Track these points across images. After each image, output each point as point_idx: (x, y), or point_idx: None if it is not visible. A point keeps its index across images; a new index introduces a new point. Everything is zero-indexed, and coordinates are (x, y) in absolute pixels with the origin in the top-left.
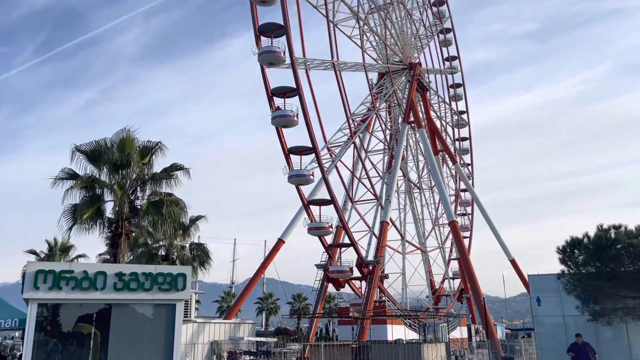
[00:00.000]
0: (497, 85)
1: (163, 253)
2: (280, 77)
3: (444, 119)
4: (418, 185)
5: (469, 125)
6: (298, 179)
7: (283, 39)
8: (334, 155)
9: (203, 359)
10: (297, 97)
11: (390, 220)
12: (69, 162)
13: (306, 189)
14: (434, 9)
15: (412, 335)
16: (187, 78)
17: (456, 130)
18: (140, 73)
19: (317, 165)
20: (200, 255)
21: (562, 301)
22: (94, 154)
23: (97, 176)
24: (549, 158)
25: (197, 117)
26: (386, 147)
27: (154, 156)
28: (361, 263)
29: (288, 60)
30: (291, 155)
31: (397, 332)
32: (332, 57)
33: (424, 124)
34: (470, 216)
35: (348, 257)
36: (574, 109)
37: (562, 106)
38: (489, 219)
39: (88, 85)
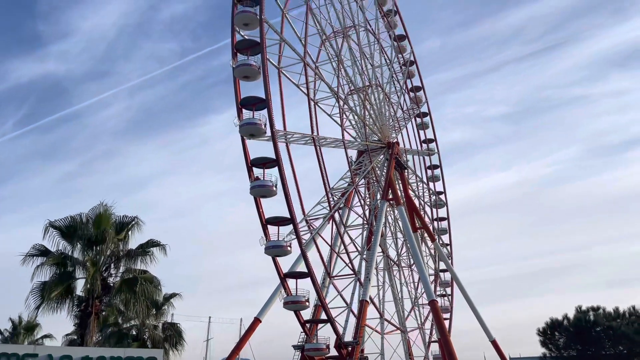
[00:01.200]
0: (474, 164)
1: (134, 333)
2: (261, 149)
3: (422, 198)
4: (397, 262)
5: (446, 206)
6: (275, 250)
7: (264, 112)
8: (312, 228)
9: None
10: (276, 168)
11: (370, 298)
12: (40, 235)
13: (283, 262)
14: (412, 94)
15: None
16: (169, 152)
17: (434, 210)
18: (121, 146)
19: (294, 237)
20: (172, 336)
21: None
22: (69, 229)
23: (70, 252)
24: (527, 236)
25: (177, 190)
26: (365, 222)
27: (130, 232)
28: (340, 344)
29: (268, 133)
30: (269, 227)
31: None
32: (313, 132)
33: (402, 201)
34: (450, 297)
35: (325, 333)
36: (548, 188)
37: (537, 185)
38: (468, 298)
39: (67, 158)
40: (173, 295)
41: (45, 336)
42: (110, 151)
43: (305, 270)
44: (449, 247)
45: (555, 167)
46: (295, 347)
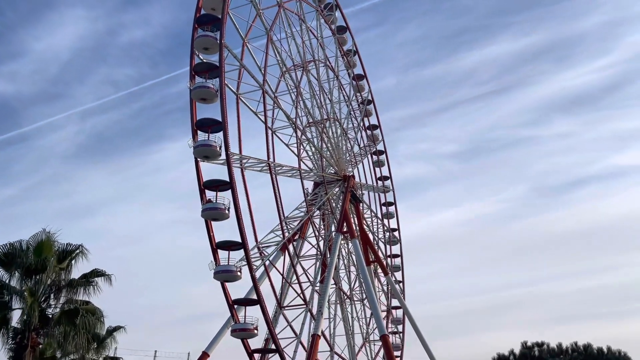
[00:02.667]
0: (426, 200)
1: None
2: (215, 173)
3: (376, 234)
4: (349, 296)
5: (400, 243)
6: (224, 275)
7: (220, 134)
8: (264, 255)
9: None
10: (229, 192)
11: (321, 332)
12: None
13: (233, 289)
14: (368, 132)
15: None
16: (120, 179)
17: (388, 246)
18: (71, 171)
19: (245, 263)
20: None
21: None
22: (7, 257)
23: (7, 281)
24: (477, 272)
25: (128, 218)
26: (318, 253)
27: (73, 260)
28: None
29: (223, 156)
30: (219, 251)
31: None
32: (269, 159)
33: (357, 234)
34: (401, 334)
35: None
36: (497, 225)
37: (486, 222)
38: (419, 332)
39: (11, 182)
40: (117, 328)
41: None
42: (59, 176)
43: (255, 297)
44: (401, 284)
45: (504, 205)
46: None
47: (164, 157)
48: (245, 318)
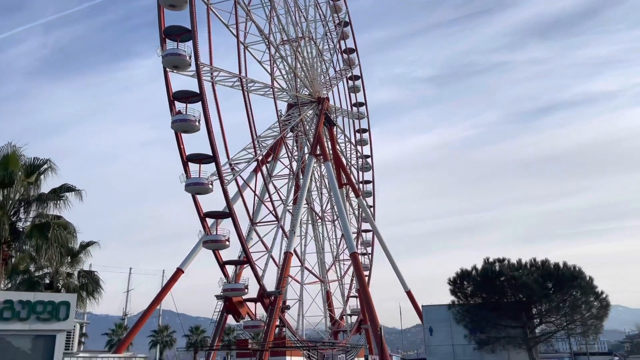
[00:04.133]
0: (399, 125)
1: (47, 281)
2: (185, 86)
3: (349, 159)
4: (321, 217)
5: (372, 170)
6: (196, 187)
7: (190, 43)
8: (235, 170)
9: None
10: (200, 104)
11: (295, 251)
12: None
13: (204, 201)
14: (345, 55)
15: None
16: (88, 97)
17: (360, 172)
18: (34, 88)
19: (217, 177)
20: (89, 284)
21: (452, 330)
22: None
23: None
24: (446, 195)
25: (96, 138)
26: (291, 174)
27: (42, 176)
28: (262, 293)
29: (193, 67)
30: (190, 164)
31: None
32: (240, 73)
33: (330, 157)
34: (370, 256)
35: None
36: (468, 150)
37: (457, 147)
38: (388, 252)
39: None
40: (90, 243)
41: None
42: (22, 92)
43: (226, 211)
44: (372, 209)
45: (475, 131)
46: (218, 296)
47: (133, 74)
48: (217, 230)
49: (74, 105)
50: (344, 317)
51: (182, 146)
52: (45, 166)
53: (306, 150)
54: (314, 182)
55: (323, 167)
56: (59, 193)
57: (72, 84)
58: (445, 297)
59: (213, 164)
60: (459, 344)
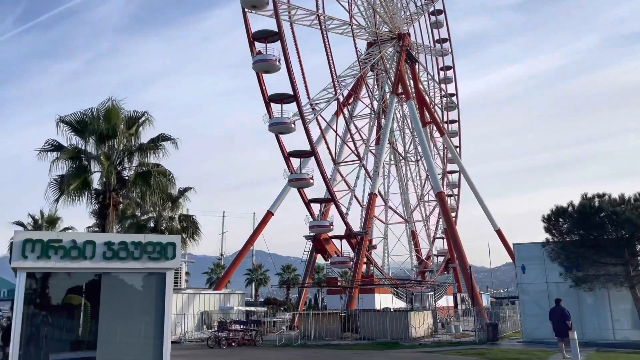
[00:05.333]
0: (484, 57)
1: (152, 225)
2: (264, 27)
3: (433, 99)
4: (404, 157)
5: (457, 108)
6: (278, 126)
7: None
8: (316, 110)
9: (194, 329)
10: (279, 43)
11: (378, 191)
12: (53, 134)
13: (288, 142)
14: None
15: (399, 304)
16: (173, 49)
17: (445, 112)
18: (125, 44)
19: (298, 117)
20: (189, 227)
21: (546, 269)
22: (80, 124)
23: (83, 147)
24: (537, 130)
25: (183, 89)
26: (372, 113)
27: (140, 127)
28: (349, 234)
29: (271, 6)
30: (272, 105)
31: (385, 300)
32: (318, 10)
33: (412, 95)
34: (456, 197)
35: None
36: (561, 80)
37: (549, 78)
38: (475, 191)
39: (71, 56)
40: (187, 189)
41: (67, 228)
42: (114, 49)
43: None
44: (457, 149)
45: (570, 59)
46: (306, 237)
47: (214, 24)
48: (300, 169)
49: (160, 58)
50: (431, 257)
51: (263, 87)
52: (143, 118)
53: (387, 90)
54: (396, 122)
55: (405, 106)
56: (156, 143)
57: (158, 38)
58: (536, 235)
59: (294, 104)
60: (553, 282)
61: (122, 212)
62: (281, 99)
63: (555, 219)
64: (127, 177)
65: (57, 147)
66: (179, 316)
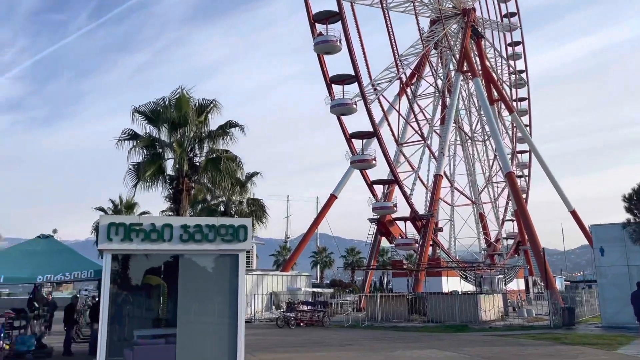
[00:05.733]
0: (556, 29)
1: (221, 209)
2: (324, 7)
3: (501, 76)
4: (471, 136)
5: (527, 85)
6: (340, 108)
7: None
8: (378, 90)
9: (263, 309)
10: (340, 24)
11: (444, 172)
12: (127, 124)
13: (349, 124)
14: None
15: (467, 287)
16: (235, 37)
17: (514, 90)
18: (189, 34)
19: (360, 97)
20: (257, 211)
21: (627, 251)
22: (153, 114)
23: (157, 135)
24: (611, 105)
25: (246, 75)
26: (436, 92)
27: (209, 114)
28: (414, 216)
29: None
30: (333, 86)
31: (452, 284)
32: None
33: (478, 73)
34: (527, 178)
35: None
36: (636, 52)
37: (629, 48)
38: (548, 170)
39: (140, 48)
40: (254, 173)
41: (143, 213)
42: (179, 39)
43: (371, 130)
44: (528, 128)
45: None
46: (371, 220)
47: (273, 10)
48: (362, 150)
49: (223, 47)
50: (500, 240)
51: (325, 69)
52: (212, 105)
53: (452, 67)
54: (461, 101)
55: (471, 84)
56: (225, 129)
57: (220, 27)
58: (613, 217)
59: (356, 85)
60: (634, 265)
61: (194, 197)
62: (342, 80)
63: (637, 198)
64: (198, 163)
65: (133, 135)
66: (249, 297)
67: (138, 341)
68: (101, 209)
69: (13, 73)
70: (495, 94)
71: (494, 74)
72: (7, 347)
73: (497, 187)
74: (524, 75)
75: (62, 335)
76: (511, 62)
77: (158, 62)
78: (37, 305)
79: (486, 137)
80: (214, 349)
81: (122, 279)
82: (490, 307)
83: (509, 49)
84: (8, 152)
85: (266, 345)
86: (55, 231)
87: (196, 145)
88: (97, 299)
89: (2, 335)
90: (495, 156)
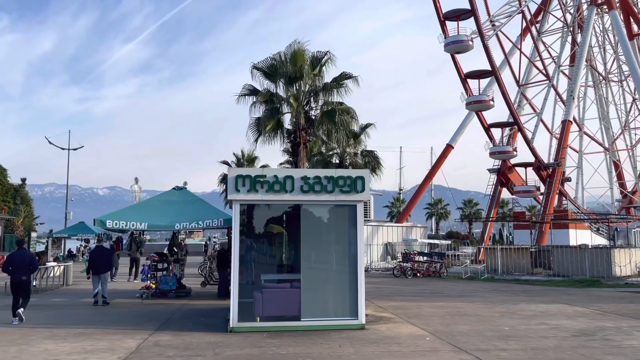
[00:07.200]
0: None
1: (336, 161)
2: None
3: None
4: (605, 77)
5: None
6: (454, 45)
7: None
8: (496, 26)
9: (378, 259)
10: None
11: (573, 118)
12: (246, 80)
13: (465, 64)
14: None
15: (599, 240)
16: None
17: None
18: None
19: (477, 34)
20: (371, 162)
21: None
22: (270, 69)
23: (274, 90)
24: None
25: (357, 25)
26: (565, 27)
27: (323, 67)
28: (539, 165)
29: None
30: (448, 25)
31: (581, 237)
32: None
33: (616, 4)
34: None
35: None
36: None
37: None
38: None
39: (252, 5)
40: (368, 125)
41: (263, 166)
42: None
43: (488, 68)
44: None
45: None
46: (490, 170)
47: None
48: (479, 90)
49: None
50: (637, 191)
51: (438, 5)
52: (326, 57)
53: (583, 0)
54: (594, 37)
55: (607, 17)
56: (339, 81)
57: None
58: None
59: (472, 21)
60: None
61: (310, 150)
62: (457, 15)
63: None
64: (314, 117)
65: (252, 91)
66: (365, 246)
67: (265, 284)
68: (225, 163)
69: (141, 38)
70: (636, 28)
71: (633, 6)
72: (154, 286)
73: (635, 133)
74: None
75: (195, 278)
76: None
77: (271, 18)
78: (175, 250)
79: (623, 78)
80: (336, 295)
81: (247, 227)
82: (627, 262)
83: None
84: (142, 112)
85: (384, 294)
86: (185, 183)
87: (312, 99)
88: (221, 247)
89: (148, 275)
90: (633, 99)
